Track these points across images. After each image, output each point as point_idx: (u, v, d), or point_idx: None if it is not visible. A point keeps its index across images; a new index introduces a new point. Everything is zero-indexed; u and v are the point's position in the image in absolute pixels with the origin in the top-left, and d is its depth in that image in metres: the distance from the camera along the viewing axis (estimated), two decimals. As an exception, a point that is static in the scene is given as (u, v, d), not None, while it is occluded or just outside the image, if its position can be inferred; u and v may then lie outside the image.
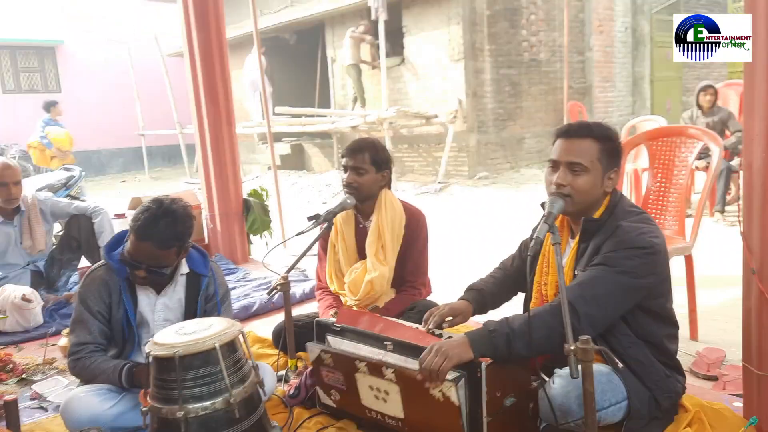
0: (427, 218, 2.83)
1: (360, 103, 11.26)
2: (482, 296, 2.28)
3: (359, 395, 2.07)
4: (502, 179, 9.86)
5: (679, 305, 3.00)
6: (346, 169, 2.68)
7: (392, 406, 1.98)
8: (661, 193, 3.13)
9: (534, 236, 1.86)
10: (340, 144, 11.52)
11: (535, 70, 10.73)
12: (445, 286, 3.14)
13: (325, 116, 11.26)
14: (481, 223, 6.86)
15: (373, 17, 9.46)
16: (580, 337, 1.63)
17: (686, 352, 2.74)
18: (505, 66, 10.23)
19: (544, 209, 1.92)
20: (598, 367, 1.87)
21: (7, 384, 2.89)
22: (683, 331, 2.96)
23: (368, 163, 2.64)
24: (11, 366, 3.01)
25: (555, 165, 1.96)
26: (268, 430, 1.32)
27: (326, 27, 12.18)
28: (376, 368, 1.94)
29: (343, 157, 2.71)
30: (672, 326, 2.03)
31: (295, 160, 12.85)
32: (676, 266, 3.08)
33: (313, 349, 2.13)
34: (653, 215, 3.15)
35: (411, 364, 1.88)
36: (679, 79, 13.02)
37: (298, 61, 13.77)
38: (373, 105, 10.87)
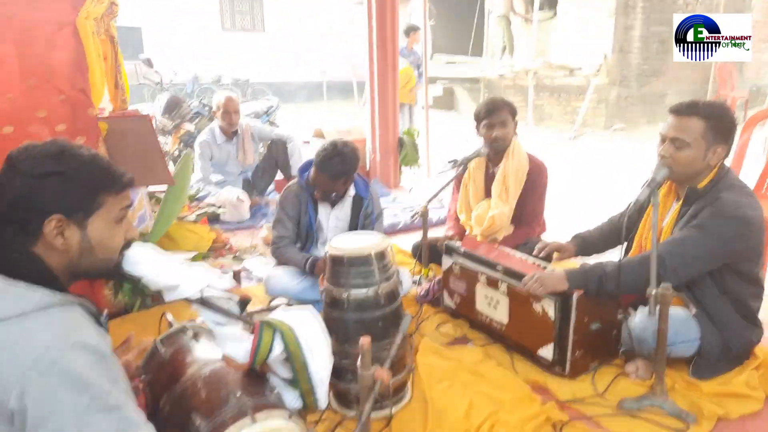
0: (554, 162, 2.86)
1: (509, 52, 10.84)
2: (585, 244, 2.41)
3: (475, 301, 2.34)
4: (638, 133, 9.11)
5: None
6: (488, 126, 2.73)
7: (500, 313, 2.22)
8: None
9: (636, 198, 1.93)
10: (487, 89, 11.29)
11: (688, 27, 9.51)
12: (562, 226, 3.20)
13: (476, 63, 11.04)
14: (609, 172, 6.54)
15: (530, -28, 8.93)
16: (662, 284, 1.72)
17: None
18: (656, 23, 9.17)
19: None
20: (678, 310, 1.94)
21: (225, 258, 3.52)
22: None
23: (508, 115, 2.74)
24: (229, 246, 3.65)
25: (663, 138, 1.97)
26: (402, 316, 1.61)
27: (486, -20, 11.67)
28: (492, 282, 2.19)
29: (483, 118, 2.75)
30: (757, 287, 2.00)
31: (446, 102, 12.83)
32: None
33: (447, 261, 2.41)
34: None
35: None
36: None
37: (457, 11, 13.41)
38: (521, 55, 10.43)
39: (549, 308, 1.96)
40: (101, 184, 1.06)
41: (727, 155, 1.99)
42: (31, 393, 0.90)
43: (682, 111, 1.94)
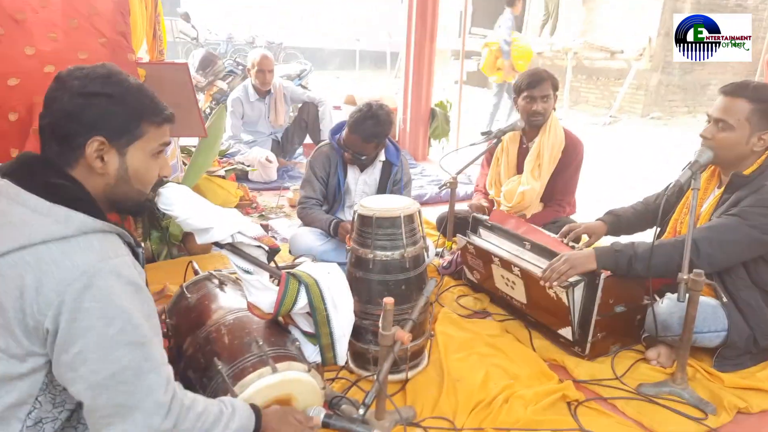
0: (585, 147, 2.78)
1: (551, 29, 10.54)
2: (618, 222, 2.33)
3: (494, 279, 2.31)
4: (676, 122, 8.84)
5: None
6: (529, 98, 2.63)
7: (518, 293, 2.19)
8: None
9: (676, 180, 1.86)
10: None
11: (741, 15, 9.08)
12: (591, 208, 3.14)
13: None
14: (643, 161, 6.37)
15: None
16: (694, 270, 1.68)
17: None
18: (707, 9, 8.76)
19: None
20: (707, 299, 1.90)
21: (251, 216, 3.57)
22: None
23: (550, 90, 2.65)
24: (255, 205, 3.70)
25: (709, 119, 1.91)
26: (426, 282, 1.61)
27: (532, -47, 11.28)
28: (506, 264, 2.15)
29: (524, 90, 2.64)
30: (791, 282, 1.94)
31: (480, 78, 12.53)
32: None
33: (461, 240, 2.38)
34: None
35: (542, 263, 2.05)
36: None
37: (499, -16, 13.02)
38: (562, 33, 10.13)
39: (561, 294, 1.92)
40: (145, 112, 1.07)
41: (776, 143, 1.91)
42: (65, 314, 0.92)
43: (729, 91, 1.88)
